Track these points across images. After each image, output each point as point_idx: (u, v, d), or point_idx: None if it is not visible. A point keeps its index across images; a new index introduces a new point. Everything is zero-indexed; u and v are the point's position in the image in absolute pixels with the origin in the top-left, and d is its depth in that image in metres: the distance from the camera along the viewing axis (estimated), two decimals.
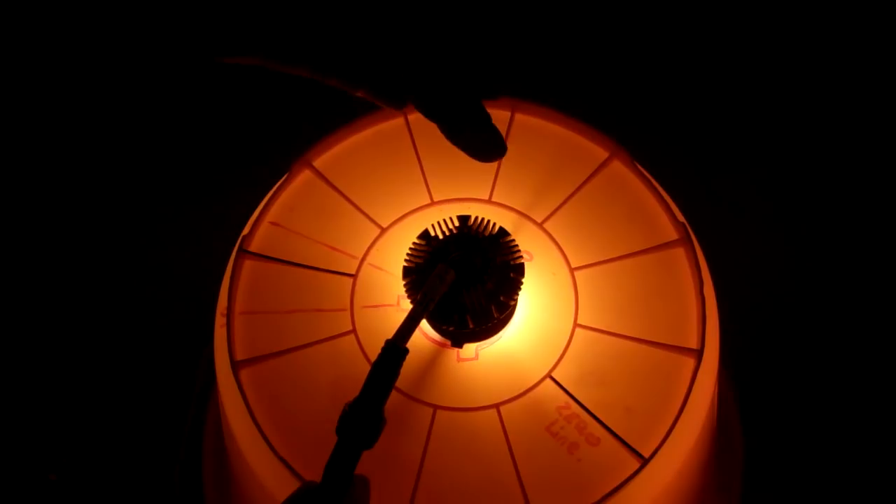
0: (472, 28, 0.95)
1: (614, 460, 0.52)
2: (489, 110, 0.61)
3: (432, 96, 0.51)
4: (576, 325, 0.56)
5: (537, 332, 0.56)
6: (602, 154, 0.61)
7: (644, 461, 0.52)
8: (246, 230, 0.59)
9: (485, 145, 0.54)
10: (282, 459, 0.52)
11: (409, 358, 0.49)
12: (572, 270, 0.58)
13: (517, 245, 0.54)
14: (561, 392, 0.54)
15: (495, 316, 0.53)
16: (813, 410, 0.79)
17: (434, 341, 0.56)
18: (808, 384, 0.80)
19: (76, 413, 0.80)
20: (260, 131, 0.91)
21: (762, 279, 0.84)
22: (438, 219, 0.55)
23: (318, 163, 0.62)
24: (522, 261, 0.54)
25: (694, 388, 0.54)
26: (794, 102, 0.91)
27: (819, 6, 0.94)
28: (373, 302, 0.57)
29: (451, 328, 0.54)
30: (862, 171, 0.88)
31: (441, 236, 0.54)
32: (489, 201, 0.60)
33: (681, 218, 0.59)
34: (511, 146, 0.61)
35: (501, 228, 0.55)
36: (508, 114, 0.63)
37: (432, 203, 0.60)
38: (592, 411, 0.54)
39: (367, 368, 0.49)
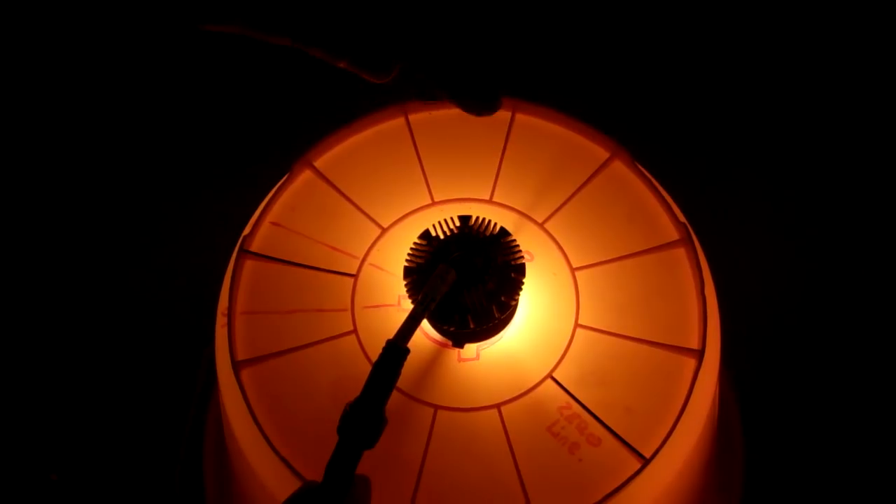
0: (472, 29, 0.95)
1: (615, 460, 0.52)
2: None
3: (426, 52, 0.50)
4: (577, 325, 0.56)
5: (538, 332, 0.56)
6: (603, 154, 0.61)
7: (645, 461, 0.52)
8: (247, 230, 0.59)
9: (480, 98, 0.53)
10: (283, 459, 0.52)
11: (409, 358, 0.49)
12: (573, 270, 0.58)
13: (518, 245, 0.54)
14: (562, 392, 0.54)
15: (496, 316, 0.53)
16: (813, 411, 0.79)
17: (435, 341, 0.56)
18: (809, 384, 0.80)
19: (77, 413, 0.80)
20: (261, 131, 0.91)
21: (763, 279, 0.84)
22: (439, 219, 0.55)
23: (318, 163, 0.62)
24: (523, 261, 0.54)
25: (695, 388, 0.54)
26: (795, 103, 0.91)
27: (819, 6, 0.94)
28: (374, 302, 0.57)
29: (452, 328, 0.54)
30: (862, 171, 0.88)
31: (442, 236, 0.54)
32: (490, 201, 0.60)
33: (682, 218, 0.59)
34: (512, 146, 0.62)
35: (502, 228, 0.55)
36: (509, 114, 0.63)
37: (433, 203, 0.60)
38: (593, 411, 0.54)
39: (368, 368, 0.49)
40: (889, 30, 0.93)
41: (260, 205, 0.61)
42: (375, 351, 0.50)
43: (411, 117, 0.63)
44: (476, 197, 0.60)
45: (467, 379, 0.55)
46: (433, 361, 0.56)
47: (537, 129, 0.62)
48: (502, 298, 0.53)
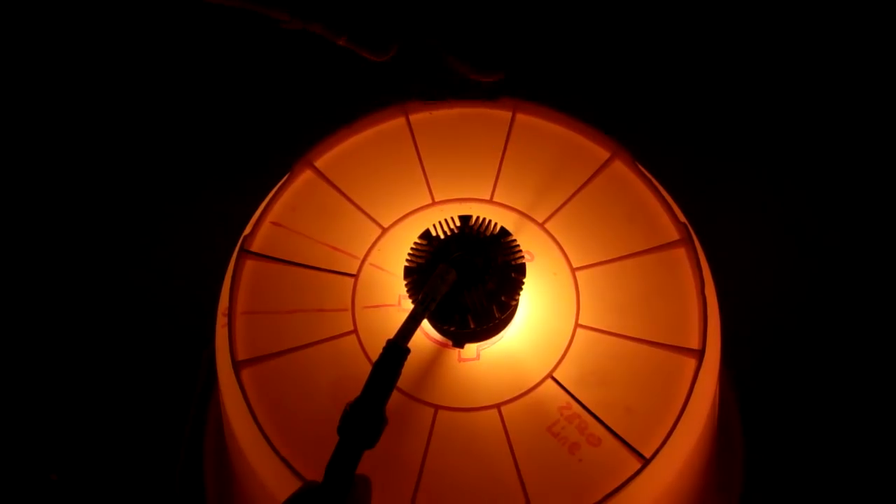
0: (473, 30, 0.95)
1: (615, 460, 0.52)
2: (491, 111, 0.61)
3: (431, 20, 0.50)
4: (577, 325, 0.56)
5: (538, 332, 0.56)
6: (603, 154, 0.61)
7: (645, 461, 0.52)
8: (247, 230, 0.59)
9: (487, 61, 0.53)
10: (283, 459, 0.52)
11: (410, 358, 0.49)
12: (573, 270, 0.58)
13: (518, 245, 0.54)
14: (562, 392, 0.54)
15: (496, 316, 0.53)
16: (813, 411, 0.79)
17: (435, 341, 0.56)
18: (809, 385, 0.80)
19: (77, 413, 0.80)
20: (261, 131, 0.91)
21: (763, 280, 0.84)
22: (440, 219, 0.55)
23: (319, 163, 0.62)
24: (524, 261, 0.54)
25: (695, 388, 0.54)
26: (796, 103, 0.91)
27: (819, 6, 0.94)
28: (374, 302, 0.57)
29: (452, 328, 0.54)
30: (863, 171, 0.88)
31: (442, 236, 0.54)
32: (490, 201, 0.60)
33: (682, 218, 0.59)
34: (512, 146, 0.62)
35: (503, 228, 0.55)
36: (510, 114, 0.63)
37: (433, 203, 0.60)
38: (594, 411, 0.54)
39: (368, 368, 0.49)
40: (889, 30, 0.93)
41: (260, 205, 0.61)
42: (376, 351, 0.50)
43: (412, 117, 0.63)
44: (476, 197, 0.60)
45: (467, 379, 0.55)
46: (433, 361, 0.56)
47: (538, 129, 0.62)
48: (503, 298, 0.53)
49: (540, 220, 0.59)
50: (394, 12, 0.49)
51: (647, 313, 0.56)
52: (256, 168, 0.69)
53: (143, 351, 0.82)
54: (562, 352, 0.56)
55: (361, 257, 0.59)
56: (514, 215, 0.60)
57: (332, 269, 0.58)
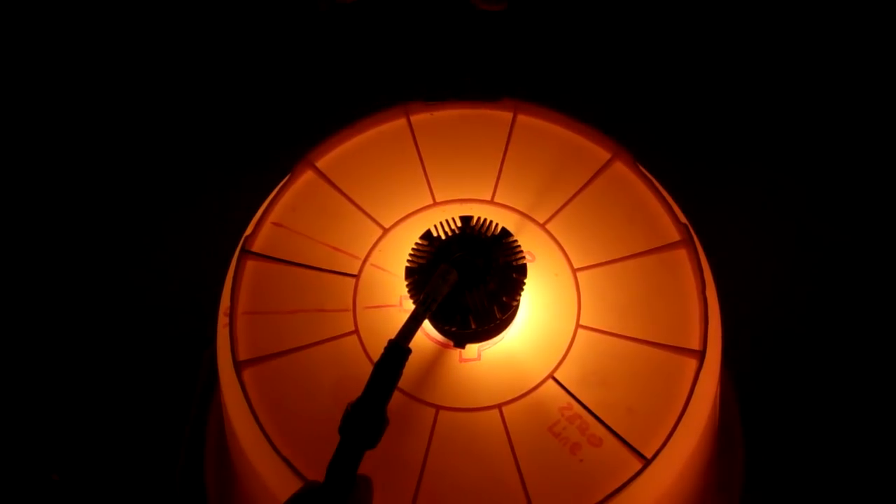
0: (474, 30, 0.95)
1: (616, 461, 0.53)
2: (492, 112, 0.61)
3: None
4: (578, 325, 0.56)
5: (539, 332, 0.56)
6: (604, 155, 0.61)
7: (646, 462, 0.52)
8: (249, 230, 0.60)
9: None
10: (284, 459, 0.52)
11: (411, 358, 0.49)
12: (574, 271, 0.58)
13: (519, 246, 0.54)
14: (563, 393, 0.55)
15: (497, 316, 0.53)
16: (813, 411, 0.79)
17: (436, 342, 0.56)
18: (809, 385, 0.80)
19: (78, 413, 0.80)
20: (262, 132, 0.91)
21: (764, 280, 0.84)
22: (441, 219, 0.55)
23: (320, 163, 0.62)
24: (525, 261, 0.54)
25: (696, 389, 0.54)
26: (797, 104, 0.91)
27: (819, 6, 0.94)
28: (375, 302, 0.57)
29: (453, 329, 0.54)
30: (864, 172, 0.88)
31: (443, 237, 0.54)
32: (491, 202, 0.60)
33: (683, 219, 0.59)
34: (513, 147, 0.62)
35: (504, 229, 0.55)
36: (511, 115, 0.63)
37: (434, 204, 0.60)
38: (594, 412, 0.54)
39: (369, 369, 0.49)
40: (889, 30, 0.93)
41: (262, 205, 0.61)
42: (377, 351, 0.50)
43: (413, 118, 0.63)
44: (477, 197, 0.60)
45: (469, 379, 0.55)
46: (435, 362, 0.56)
47: (539, 130, 0.62)
48: (504, 299, 0.53)
49: (541, 221, 0.59)
50: None
51: (648, 314, 0.57)
52: (258, 168, 0.69)
53: (144, 351, 0.82)
54: (563, 352, 0.56)
55: (362, 258, 0.59)
56: (515, 216, 0.60)
57: (334, 269, 0.58)
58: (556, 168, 0.61)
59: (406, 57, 0.93)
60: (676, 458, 0.54)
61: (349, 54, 0.95)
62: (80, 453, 0.79)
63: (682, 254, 0.58)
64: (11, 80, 0.93)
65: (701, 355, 0.55)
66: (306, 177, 0.61)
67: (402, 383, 0.49)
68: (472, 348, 0.56)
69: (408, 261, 0.54)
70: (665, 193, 0.60)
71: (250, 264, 0.59)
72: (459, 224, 0.55)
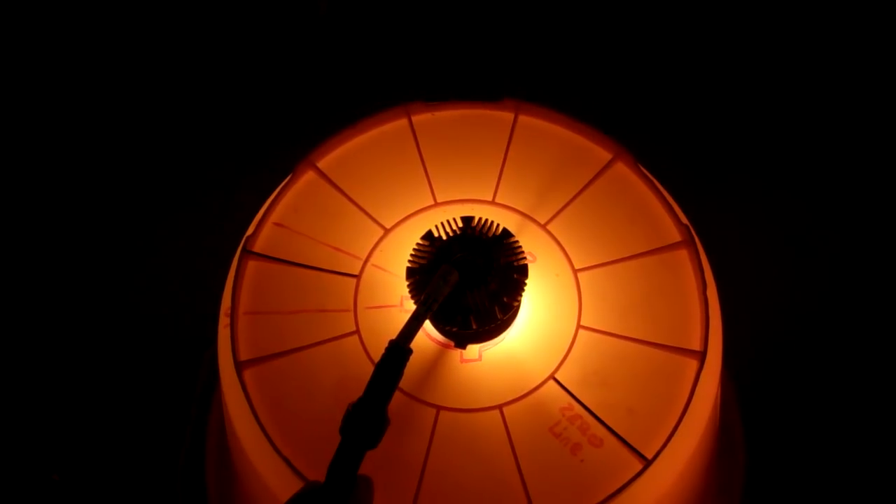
0: (475, 30, 0.95)
1: (617, 461, 0.53)
2: (493, 113, 0.61)
3: None
4: (579, 326, 0.56)
5: (540, 333, 0.56)
6: (605, 156, 0.61)
7: (647, 462, 0.52)
8: (250, 231, 0.60)
9: None
10: (285, 459, 0.52)
11: (412, 359, 0.49)
12: (575, 272, 0.58)
13: (521, 246, 0.54)
14: (564, 393, 0.55)
15: (499, 317, 0.53)
16: (814, 412, 0.79)
17: (437, 342, 0.56)
18: (810, 386, 0.80)
19: (79, 414, 0.80)
20: (264, 132, 0.91)
21: (765, 281, 0.84)
22: (442, 220, 0.55)
23: (321, 164, 0.62)
24: (526, 262, 0.54)
25: (696, 389, 0.54)
26: (797, 105, 0.91)
27: (819, 6, 0.94)
28: (376, 303, 0.57)
29: (454, 329, 0.54)
30: (864, 172, 0.88)
31: (444, 237, 0.54)
32: (493, 202, 0.60)
33: (684, 220, 0.59)
34: (514, 148, 0.62)
35: (505, 230, 0.55)
36: (512, 115, 0.63)
37: (436, 204, 0.60)
38: (595, 412, 0.54)
39: (370, 369, 0.49)
40: (889, 30, 0.93)
41: (263, 205, 0.61)
42: (378, 351, 0.50)
43: (414, 118, 0.63)
44: (479, 198, 0.60)
45: (469, 380, 0.55)
46: (435, 362, 0.56)
47: (540, 130, 0.62)
48: (505, 299, 0.53)
49: (542, 222, 0.59)
50: None
51: (649, 315, 0.57)
52: (259, 169, 0.69)
53: (145, 351, 0.82)
54: (564, 353, 0.56)
55: (364, 258, 0.59)
56: (516, 216, 0.60)
57: (335, 269, 0.58)
58: (557, 168, 0.61)
59: (406, 57, 0.94)
60: (677, 459, 0.54)
61: (350, 55, 0.95)
62: (80, 453, 0.79)
63: (683, 254, 0.58)
64: (12, 80, 0.93)
65: (702, 356, 0.55)
66: (308, 177, 0.61)
67: (402, 384, 0.49)
68: (472, 349, 0.56)
69: (409, 261, 0.54)
70: (666, 194, 0.60)
71: (251, 264, 0.59)
72: (460, 224, 0.55)
